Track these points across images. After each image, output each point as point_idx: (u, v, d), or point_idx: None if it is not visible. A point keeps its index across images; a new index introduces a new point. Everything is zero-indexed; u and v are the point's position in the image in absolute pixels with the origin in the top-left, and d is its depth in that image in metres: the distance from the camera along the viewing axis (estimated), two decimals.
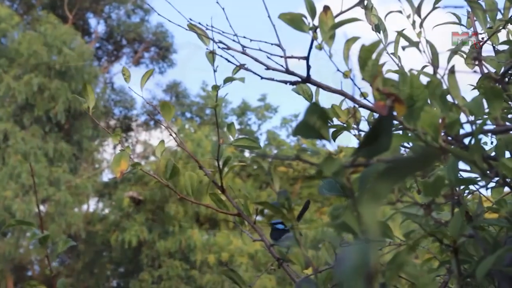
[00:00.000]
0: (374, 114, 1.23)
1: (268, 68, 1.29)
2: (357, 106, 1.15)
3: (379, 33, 1.46)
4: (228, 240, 15.23)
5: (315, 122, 0.64)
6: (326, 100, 1.44)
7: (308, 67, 1.18)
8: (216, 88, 1.47)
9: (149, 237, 15.18)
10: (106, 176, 17.79)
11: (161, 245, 15.08)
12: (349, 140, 1.42)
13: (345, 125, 1.40)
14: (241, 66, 1.39)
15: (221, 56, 1.41)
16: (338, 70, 1.17)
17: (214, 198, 1.62)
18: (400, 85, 0.82)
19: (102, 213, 16.91)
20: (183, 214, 15.17)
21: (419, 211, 0.91)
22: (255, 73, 1.33)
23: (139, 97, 1.68)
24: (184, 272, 15.12)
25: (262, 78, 1.31)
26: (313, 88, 1.44)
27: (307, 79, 1.21)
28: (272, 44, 1.32)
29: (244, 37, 1.38)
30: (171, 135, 1.69)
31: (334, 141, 1.35)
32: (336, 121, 1.46)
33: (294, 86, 1.42)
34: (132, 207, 15.81)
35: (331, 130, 1.42)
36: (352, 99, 1.14)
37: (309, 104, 0.64)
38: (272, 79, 1.30)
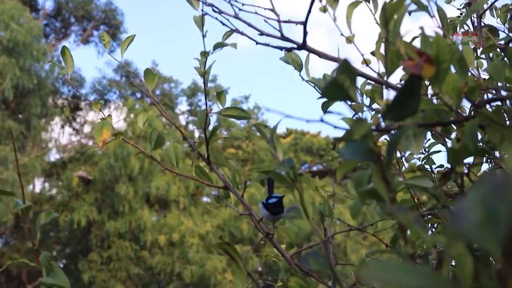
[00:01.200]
0: (371, 82, 1.19)
1: (262, 33, 1.26)
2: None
3: None
4: (179, 221, 15.21)
5: (344, 81, 0.62)
6: (319, 70, 1.38)
7: (305, 33, 1.15)
8: (205, 54, 1.42)
9: (98, 217, 15.02)
10: (53, 156, 17.49)
11: (110, 225, 14.94)
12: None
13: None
14: (234, 30, 1.36)
15: (215, 18, 1.36)
16: (342, 34, 1.14)
17: (198, 170, 1.58)
18: (423, 46, 0.80)
19: (49, 193, 16.64)
20: (133, 194, 15.05)
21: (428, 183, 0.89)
22: (250, 38, 1.29)
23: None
24: (134, 253, 15.04)
25: (257, 43, 1.28)
26: (303, 58, 1.41)
27: (303, 45, 1.17)
28: (265, 9, 1.30)
29: (236, 0, 1.35)
30: (156, 104, 1.64)
31: (324, 113, 1.30)
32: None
33: (283, 55, 1.39)
34: (81, 187, 15.60)
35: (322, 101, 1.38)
36: (362, 74, 1.11)
37: (342, 61, 0.62)
38: (268, 45, 1.27)
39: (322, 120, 0.78)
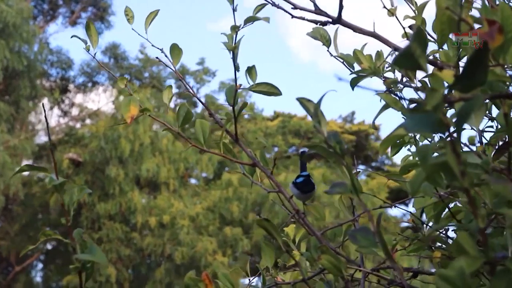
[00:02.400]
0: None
1: (295, 7, 1.24)
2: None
3: None
4: (169, 203, 15.22)
5: (416, 50, 0.61)
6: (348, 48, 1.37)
7: (341, 7, 1.13)
8: (235, 28, 1.39)
9: (88, 199, 15.00)
10: (42, 138, 17.41)
11: (101, 207, 14.94)
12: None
13: (367, 72, 1.33)
14: (267, 3, 1.34)
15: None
16: (384, 7, 1.12)
17: (225, 148, 1.56)
18: (483, 14, 0.79)
19: (39, 176, 16.57)
20: (124, 176, 15.03)
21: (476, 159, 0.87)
22: (285, 11, 1.27)
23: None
24: (125, 235, 15.06)
25: (292, 17, 1.27)
26: (331, 34, 1.40)
27: (338, 20, 1.15)
28: None
29: None
30: (181, 80, 1.62)
31: (353, 89, 1.27)
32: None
33: (311, 30, 1.37)
34: (71, 169, 15.56)
35: (351, 76, 1.35)
36: (386, 42, 1.09)
37: (416, 29, 0.61)
38: (303, 18, 1.25)
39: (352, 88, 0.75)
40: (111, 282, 14.28)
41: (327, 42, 1.39)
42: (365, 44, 1.34)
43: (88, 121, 18.34)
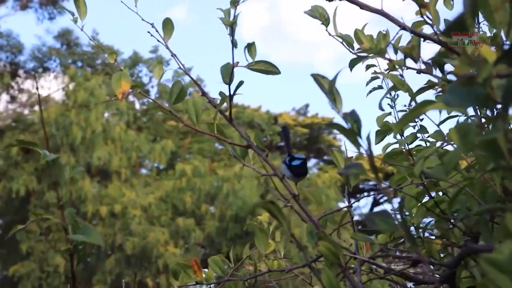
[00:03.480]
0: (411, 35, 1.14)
1: None
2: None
3: None
4: (121, 192, 15.01)
5: (468, 19, 0.60)
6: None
7: None
8: (234, 3, 1.34)
9: (38, 187, 14.67)
10: None
11: (50, 195, 14.60)
12: None
13: (372, 52, 1.29)
14: None
15: None
16: None
17: (218, 129, 1.47)
18: None
19: None
20: (74, 164, 14.73)
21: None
22: None
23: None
24: None
25: None
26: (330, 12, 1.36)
27: None
28: None
29: None
30: (174, 56, 1.52)
31: (351, 70, 1.24)
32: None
33: (308, 9, 1.33)
34: (20, 155, 15.18)
35: (351, 58, 1.31)
36: (395, 20, 1.04)
37: None
38: None
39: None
40: (59, 273, 14.03)
41: (326, 21, 1.35)
42: (366, 24, 1.31)
43: (36, 107, 17.93)
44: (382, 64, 1.46)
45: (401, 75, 1.28)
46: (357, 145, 0.90)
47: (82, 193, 14.66)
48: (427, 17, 1.23)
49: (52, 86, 21.17)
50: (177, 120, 1.47)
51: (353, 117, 0.87)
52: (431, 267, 1.31)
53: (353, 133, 0.89)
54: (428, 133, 2.15)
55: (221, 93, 1.44)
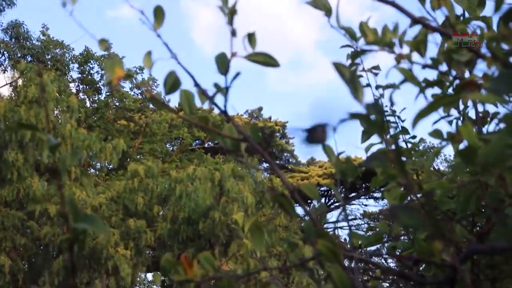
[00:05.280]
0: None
1: None
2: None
3: None
4: (71, 192, 14.70)
5: None
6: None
7: None
8: None
9: None
10: None
11: None
12: None
13: (380, 45, 1.25)
14: None
15: None
16: None
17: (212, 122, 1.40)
18: None
19: None
20: (23, 162, 14.37)
21: None
22: None
23: None
24: (21, 223, 14.41)
25: None
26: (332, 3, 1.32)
27: None
28: None
29: None
30: (166, 45, 1.45)
31: (352, 63, 1.20)
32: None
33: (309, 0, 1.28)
34: None
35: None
36: (408, 13, 1.01)
37: None
38: None
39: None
40: (4, 273, 13.63)
41: (328, 12, 1.30)
42: (370, 17, 1.28)
43: None
44: (383, 57, 1.44)
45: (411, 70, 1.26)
46: (382, 136, 0.88)
47: (31, 191, 14.30)
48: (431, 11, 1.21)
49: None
50: (171, 111, 1.40)
51: (376, 108, 0.85)
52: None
53: (377, 125, 0.86)
54: (409, 134, 2.15)
55: (215, 85, 1.38)
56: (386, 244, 1.42)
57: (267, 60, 1.37)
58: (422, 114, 1.17)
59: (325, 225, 1.51)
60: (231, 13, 1.31)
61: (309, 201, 1.56)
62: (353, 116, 0.86)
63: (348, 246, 1.41)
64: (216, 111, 22.44)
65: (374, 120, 0.85)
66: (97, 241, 13.83)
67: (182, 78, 1.28)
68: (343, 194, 1.51)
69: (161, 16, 1.50)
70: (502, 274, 1.27)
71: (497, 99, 0.79)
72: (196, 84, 1.50)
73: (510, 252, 1.02)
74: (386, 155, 0.90)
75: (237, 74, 1.39)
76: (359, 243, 1.46)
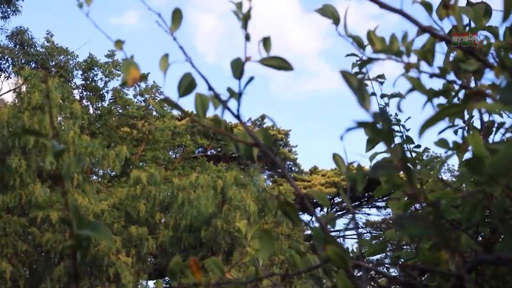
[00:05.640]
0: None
1: None
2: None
3: None
4: (73, 198, 14.70)
5: None
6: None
7: None
8: None
9: None
10: None
11: None
12: None
13: (389, 53, 1.26)
14: None
15: None
16: None
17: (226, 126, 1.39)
18: None
19: None
20: (26, 168, 14.38)
21: None
22: None
23: None
24: (23, 229, 14.41)
25: None
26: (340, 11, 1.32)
27: None
28: None
29: None
30: (181, 48, 1.45)
31: (360, 71, 1.20)
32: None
33: (318, 8, 1.28)
34: None
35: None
36: (416, 21, 1.00)
37: None
38: None
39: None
40: (5, 279, 13.62)
41: (336, 20, 1.30)
42: (377, 26, 1.27)
43: None
44: (387, 66, 1.44)
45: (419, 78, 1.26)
46: (389, 145, 0.87)
47: (33, 198, 14.30)
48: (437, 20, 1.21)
49: (3, 87, 20.71)
50: (184, 113, 1.40)
51: (383, 116, 0.85)
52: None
53: (384, 134, 0.86)
54: (414, 143, 2.14)
55: (229, 89, 1.38)
56: (389, 253, 1.41)
57: (281, 64, 1.37)
58: (428, 123, 1.16)
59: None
60: (245, 18, 1.31)
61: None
62: (360, 124, 0.86)
63: (351, 255, 1.41)
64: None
65: (381, 128, 0.85)
66: (99, 248, 13.81)
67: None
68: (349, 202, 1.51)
69: (178, 19, 1.50)
70: (507, 285, 1.26)
71: (506, 108, 0.78)
72: (210, 88, 1.49)
73: None
74: (392, 164, 0.90)
75: (251, 79, 1.39)
76: (362, 252, 1.45)
